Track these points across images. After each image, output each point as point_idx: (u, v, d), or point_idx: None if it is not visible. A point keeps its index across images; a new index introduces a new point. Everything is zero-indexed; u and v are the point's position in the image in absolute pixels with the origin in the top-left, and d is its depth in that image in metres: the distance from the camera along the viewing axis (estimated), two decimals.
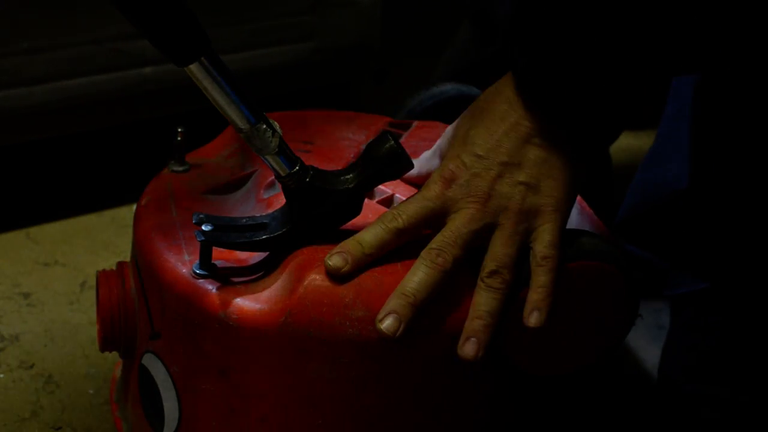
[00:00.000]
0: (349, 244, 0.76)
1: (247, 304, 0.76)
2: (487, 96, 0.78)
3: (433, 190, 0.76)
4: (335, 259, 0.75)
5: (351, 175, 0.78)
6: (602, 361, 0.81)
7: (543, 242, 0.75)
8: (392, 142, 0.76)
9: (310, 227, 0.78)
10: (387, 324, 0.74)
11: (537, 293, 0.74)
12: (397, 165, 0.76)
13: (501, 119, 0.76)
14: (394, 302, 0.74)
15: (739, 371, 0.95)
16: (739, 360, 0.95)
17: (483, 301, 0.74)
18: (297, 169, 0.76)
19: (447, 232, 0.75)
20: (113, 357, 1.05)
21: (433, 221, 0.76)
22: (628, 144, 1.66)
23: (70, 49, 1.21)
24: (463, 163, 0.76)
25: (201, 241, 0.77)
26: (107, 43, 1.23)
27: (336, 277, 0.75)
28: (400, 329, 0.74)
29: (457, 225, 0.75)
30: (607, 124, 0.77)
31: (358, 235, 0.76)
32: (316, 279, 0.76)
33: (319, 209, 0.77)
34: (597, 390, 1.04)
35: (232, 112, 0.74)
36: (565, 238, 0.77)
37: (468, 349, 0.74)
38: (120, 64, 1.24)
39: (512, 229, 0.75)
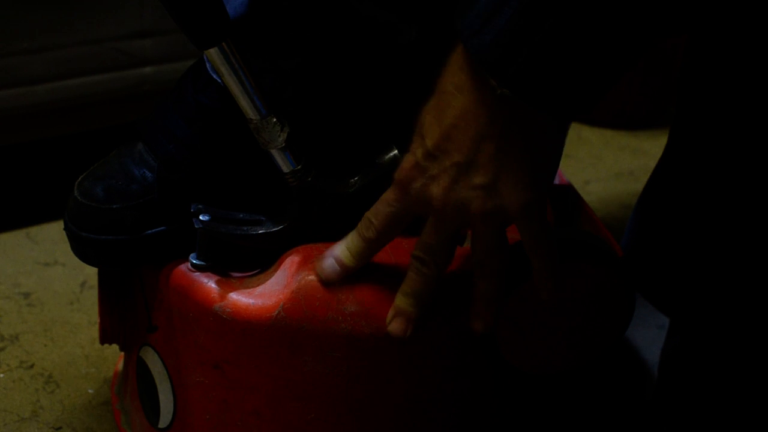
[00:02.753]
0: (338, 250, 0.75)
1: (241, 298, 0.77)
2: (441, 73, 0.70)
3: (393, 193, 0.72)
4: (327, 267, 0.76)
5: (353, 180, 0.78)
6: (599, 360, 0.81)
7: (478, 248, 0.71)
8: (396, 151, 0.77)
9: (307, 228, 0.78)
10: (394, 326, 0.74)
11: (475, 303, 0.73)
12: None
13: (448, 105, 0.68)
14: (398, 302, 0.74)
15: (739, 372, 0.95)
16: (740, 361, 0.95)
17: (480, 287, 0.73)
18: (300, 167, 0.76)
19: (421, 242, 0.73)
20: (113, 357, 1.05)
21: (404, 221, 0.73)
22: (628, 143, 1.66)
23: (70, 49, 1.21)
24: (416, 162, 0.70)
25: (199, 230, 0.77)
26: (107, 43, 1.23)
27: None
28: (409, 330, 0.74)
29: (426, 236, 0.72)
30: (576, 94, 0.67)
31: (345, 242, 0.75)
32: (309, 274, 0.76)
33: (318, 210, 0.77)
34: (597, 390, 1.04)
35: (244, 101, 0.75)
36: (560, 237, 0.77)
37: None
38: (120, 64, 1.24)
39: (482, 230, 0.71)
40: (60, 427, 0.97)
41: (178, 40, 1.26)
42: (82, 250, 0.82)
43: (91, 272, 1.18)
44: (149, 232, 0.80)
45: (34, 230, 1.25)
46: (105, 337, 0.89)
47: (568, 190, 0.94)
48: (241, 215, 0.80)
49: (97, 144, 1.38)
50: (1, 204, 1.29)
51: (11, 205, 1.29)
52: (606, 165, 1.58)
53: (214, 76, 0.80)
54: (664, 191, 0.93)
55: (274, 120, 0.75)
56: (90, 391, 1.02)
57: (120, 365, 1.00)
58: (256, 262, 0.81)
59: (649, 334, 1.15)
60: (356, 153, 0.82)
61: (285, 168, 0.76)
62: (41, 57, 1.20)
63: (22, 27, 1.18)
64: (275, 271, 0.78)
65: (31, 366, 1.05)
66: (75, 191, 0.83)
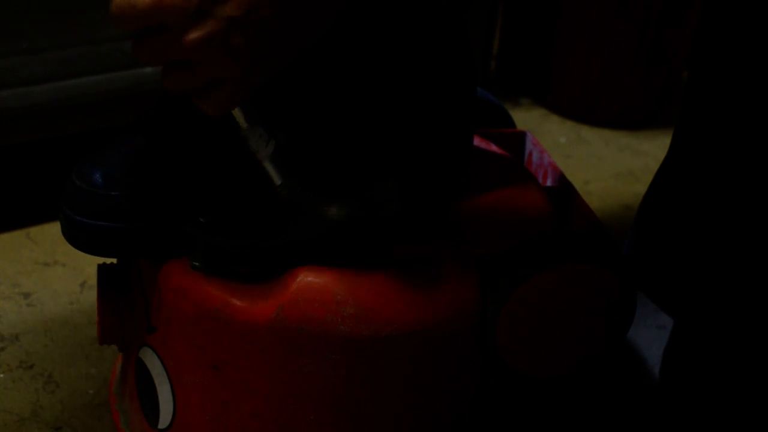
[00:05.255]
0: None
1: (240, 299, 0.77)
2: None
3: None
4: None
5: (344, 209, 0.75)
6: (600, 362, 0.81)
7: None
8: (392, 183, 0.74)
9: (298, 246, 0.76)
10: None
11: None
12: (390, 214, 0.74)
13: None
14: None
15: (739, 372, 0.94)
16: (740, 361, 0.95)
17: None
18: (290, 182, 0.75)
19: None
20: (113, 357, 1.05)
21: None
22: (628, 143, 1.66)
23: (70, 49, 1.21)
24: None
25: (190, 234, 0.77)
26: (107, 43, 1.23)
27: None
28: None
29: None
30: None
31: None
32: (308, 276, 0.76)
33: (308, 229, 0.76)
34: (597, 390, 1.04)
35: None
36: (560, 238, 0.77)
37: None
38: (120, 64, 1.24)
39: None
40: (60, 427, 0.97)
41: None
42: (75, 234, 0.81)
43: (91, 272, 1.18)
44: (145, 223, 0.79)
45: (34, 230, 1.25)
46: (104, 338, 0.89)
47: (569, 190, 0.94)
48: (241, 222, 0.79)
49: (97, 144, 1.38)
50: (1, 204, 1.29)
51: (11, 205, 1.29)
52: (606, 165, 1.58)
53: None
54: (668, 192, 0.93)
55: (261, 131, 0.74)
56: (90, 391, 1.02)
57: (118, 365, 1.00)
58: (255, 271, 0.80)
59: (649, 334, 1.15)
60: (352, 176, 0.81)
61: (274, 180, 0.76)
62: (41, 57, 1.20)
63: (22, 27, 1.18)
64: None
65: (31, 366, 1.05)
66: (73, 175, 0.82)
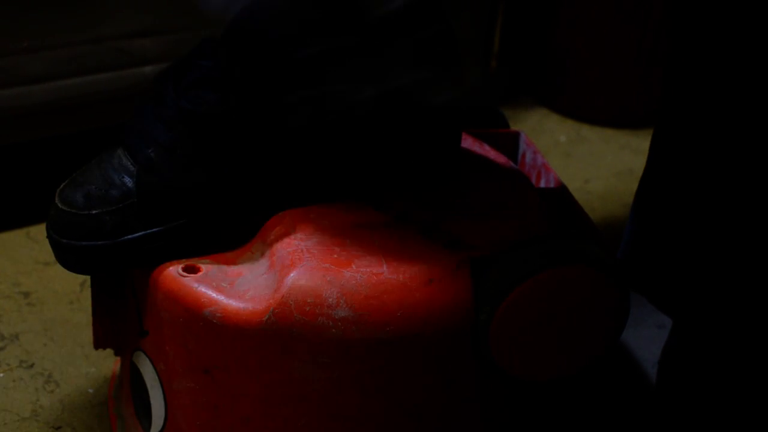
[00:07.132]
0: None
1: (231, 302, 0.76)
2: None
3: None
4: None
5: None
6: (595, 364, 0.81)
7: None
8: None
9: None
10: None
11: None
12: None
13: None
14: None
15: (740, 371, 0.95)
16: (740, 361, 0.95)
17: None
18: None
19: None
20: (113, 357, 1.06)
21: None
22: (628, 141, 1.66)
23: (70, 49, 1.21)
24: None
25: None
26: (107, 42, 1.23)
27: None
28: None
29: None
30: None
31: None
32: (300, 278, 0.76)
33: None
34: (595, 390, 1.04)
35: None
36: (553, 240, 0.77)
37: None
38: (120, 64, 1.24)
39: None
40: (60, 427, 0.98)
41: (178, 40, 1.26)
42: (64, 257, 0.82)
43: None
44: (129, 237, 0.80)
45: (34, 230, 1.25)
46: (98, 342, 0.89)
47: (562, 191, 0.94)
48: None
49: (97, 144, 1.38)
50: (1, 204, 1.29)
51: (11, 205, 1.29)
52: (606, 163, 1.58)
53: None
54: (656, 190, 0.93)
55: None
56: (90, 390, 1.02)
57: (117, 368, 1.00)
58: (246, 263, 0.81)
59: (649, 334, 1.15)
60: (338, 179, 0.81)
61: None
62: (41, 56, 1.20)
63: (22, 26, 1.18)
64: (265, 273, 0.78)
65: (31, 365, 1.05)
66: (56, 199, 0.83)
